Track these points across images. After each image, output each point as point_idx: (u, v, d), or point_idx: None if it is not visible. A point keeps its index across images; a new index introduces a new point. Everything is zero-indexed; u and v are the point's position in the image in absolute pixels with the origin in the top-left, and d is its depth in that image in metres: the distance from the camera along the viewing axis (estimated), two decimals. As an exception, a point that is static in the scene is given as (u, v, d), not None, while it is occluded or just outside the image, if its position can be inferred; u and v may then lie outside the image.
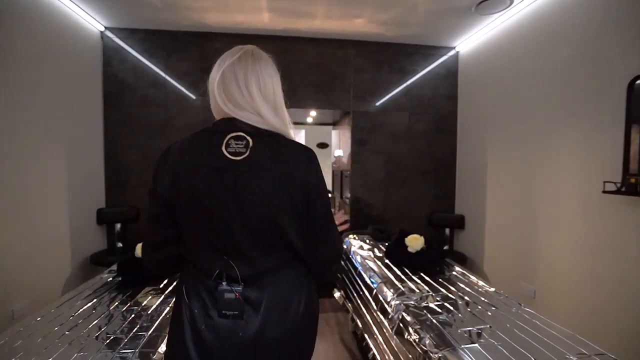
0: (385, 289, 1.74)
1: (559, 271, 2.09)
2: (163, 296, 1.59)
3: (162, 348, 1.15)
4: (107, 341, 1.18)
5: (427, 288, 1.73)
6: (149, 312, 1.42)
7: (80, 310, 1.43)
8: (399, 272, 1.98)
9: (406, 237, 2.13)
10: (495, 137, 2.77)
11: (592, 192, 1.85)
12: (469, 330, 1.28)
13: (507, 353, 1.12)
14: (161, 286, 1.71)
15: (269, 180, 0.71)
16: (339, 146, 3.94)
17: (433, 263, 2.02)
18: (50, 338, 1.19)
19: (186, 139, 0.77)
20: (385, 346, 1.57)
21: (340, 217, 1.09)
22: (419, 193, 3.33)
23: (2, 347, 1.14)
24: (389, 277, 1.88)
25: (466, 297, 1.61)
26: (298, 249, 0.78)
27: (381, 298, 1.70)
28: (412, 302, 1.54)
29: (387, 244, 2.39)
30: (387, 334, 1.54)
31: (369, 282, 1.93)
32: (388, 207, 3.31)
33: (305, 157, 0.75)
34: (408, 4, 2.44)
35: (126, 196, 2.96)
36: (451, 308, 1.49)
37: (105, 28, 2.86)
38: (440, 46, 3.25)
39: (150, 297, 1.58)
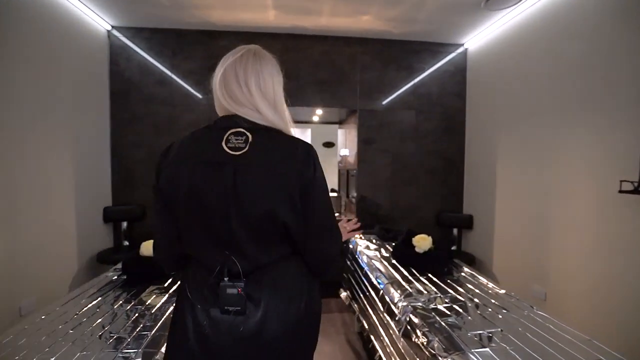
0: (392, 289, 1.70)
1: (572, 273, 2.03)
2: (167, 295, 1.58)
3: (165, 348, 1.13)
4: (110, 340, 1.17)
5: (435, 289, 1.69)
6: (153, 311, 1.41)
7: (85, 308, 1.43)
8: (406, 273, 1.94)
9: (414, 237, 2.10)
10: (504, 135, 2.71)
11: (607, 192, 1.79)
12: (480, 333, 1.24)
13: (520, 358, 1.08)
14: (165, 285, 1.71)
15: (267, 173, 0.72)
16: (345, 145, 3.91)
17: (441, 264, 1.98)
18: (54, 336, 1.19)
19: (187, 135, 0.79)
20: (392, 348, 1.53)
21: (352, 224, 1.08)
22: (426, 192, 3.28)
23: (7, 344, 1.14)
24: (396, 278, 1.85)
25: (476, 299, 1.56)
26: (297, 243, 0.78)
27: (388, 299, 1.67)
28: (420, 304, 1.51)
29: (394, 243, 2.36)
30: (394, 336, 1.51)
31: (375, 282, 1.89)
32: (395, 206, 3.26)
33: (303, 151, 0.75)
34: (416, 0, 2.40)
35: (132, 194, 2.97)
36: (460, 310, 1.45)
37: (112, 27, 2.87)
38: (448, 43, 3.20)
39: (154, 296, 1.57)
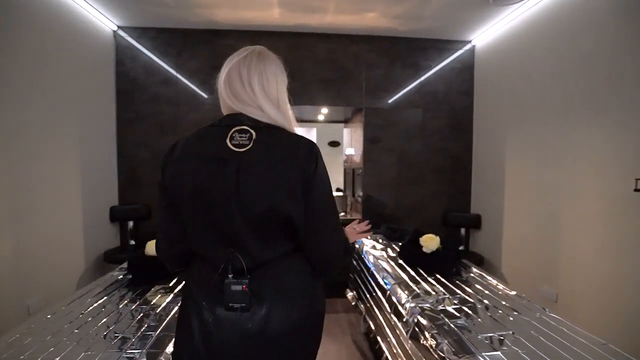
0: (399, 290, 1.68)
1: (584, 274, 1.98)
2: (172, 295, 1.57)
3: (170, 349, 1.12)
4: (115, 340, 1.16)
5: (443, 290, 1.66)
6: (158, 311, 1.40)
7: (90, 308, 1.43)
8: (413, 273, 1.91)
9: (421, 236, 2.06)
10: (513, 133, 2.66)
11: (621, 190, 1.74)
12: (490, 336, 1.21)
13: (532, 362, 1.05)
14: (170, 284, 1.70)
15: (270, 170, 0.73)
16: (350, 144, 3.88)
17: (449, 264, 1.94)
18: (59, 336, 1.18)
19: (193, 133, 0.80)
20: (399, 350, 1.51)
21: (362, 226, 1.06)
22: (433, 191, 3.24)
23: (13, 343, 1.14)
24: (403, 278, 1.82)
25: (485, 301, 1.53)
26: (299, 239, 0.78)
27: (395, 300, 1.64)
28: (428, 305, 1.48)
29: (400, 243, 2.33)
30: (401, 337, 1.48)
31: (382, 283, 1.87)
32: (401, 206, 3.23)
33: (305, 148, 0.76)
34: (422, -4, 2.36)
35: (138, 194, 2.98)
36: (470, 312, 1.41)
37: (118, 27, 2.88)
38: (455, 40, 3.15)
39: (159, 296, 1.56)
